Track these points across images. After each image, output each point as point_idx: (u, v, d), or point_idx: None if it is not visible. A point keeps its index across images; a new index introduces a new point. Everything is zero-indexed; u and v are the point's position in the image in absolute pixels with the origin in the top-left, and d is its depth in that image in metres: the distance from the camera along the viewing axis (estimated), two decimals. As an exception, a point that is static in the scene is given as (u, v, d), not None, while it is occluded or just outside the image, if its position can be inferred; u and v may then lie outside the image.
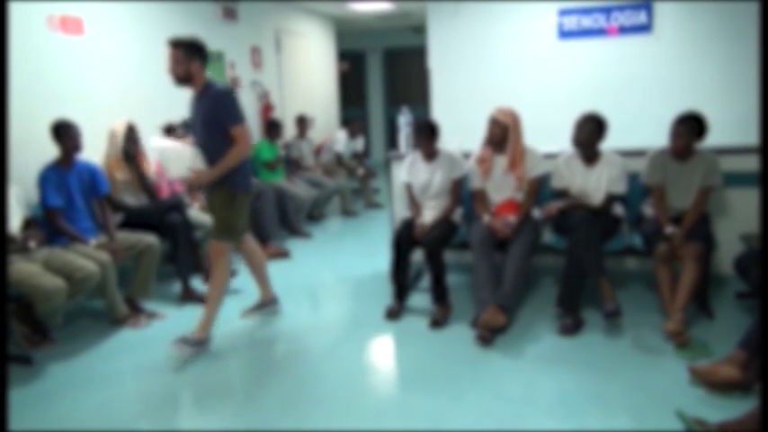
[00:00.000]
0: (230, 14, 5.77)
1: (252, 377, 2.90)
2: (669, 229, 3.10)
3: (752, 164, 3.56)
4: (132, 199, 3.92)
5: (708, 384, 2.48)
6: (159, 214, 3.84)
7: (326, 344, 3.24)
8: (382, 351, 3.21)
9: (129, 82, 4.53)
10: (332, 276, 4.45)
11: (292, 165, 6.21)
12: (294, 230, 5.45)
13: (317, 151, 6.73)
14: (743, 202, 3.58)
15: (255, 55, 6.27)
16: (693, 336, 2.96)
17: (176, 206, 3.91)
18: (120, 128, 3.85)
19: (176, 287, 3.97)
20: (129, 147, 3.87)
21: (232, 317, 3.60)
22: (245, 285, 4.11)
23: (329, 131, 7.66)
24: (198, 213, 4.23)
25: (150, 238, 3.60)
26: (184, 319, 3.55)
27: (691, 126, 3.19)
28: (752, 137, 5.33)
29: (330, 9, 7.75)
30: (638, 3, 5.49)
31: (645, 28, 5.52)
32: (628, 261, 3.91)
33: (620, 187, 3.36)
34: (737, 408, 2.23)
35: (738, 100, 5.37)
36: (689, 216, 3.19)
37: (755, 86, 5.30)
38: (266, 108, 6.38)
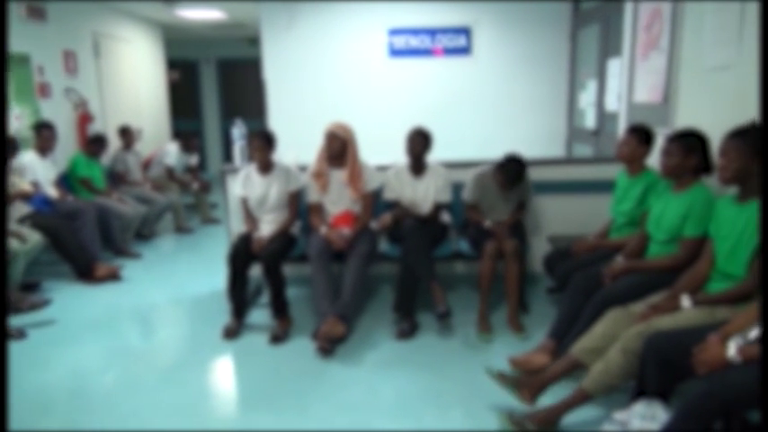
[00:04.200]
0: (36, 14, 5.17)
1: (76, 413, 2.60)
2: (487, 223, 3.42)
3: (557, 173, 4.03)
4: None
5: (524, 372, 2.74)
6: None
7: (161, 370, 3.03)
8: (222, 372, 3.07)
9: None
10: (165, 298, 4.16)
11: (117, 179, 5.73)
12: (120, 251, 5.02)
13: (146, 165, 6.28)
14: (550, 208, 4.02)
15: (69, 60, 5.69)
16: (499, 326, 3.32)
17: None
18: None
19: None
20: None
21: (49, 349, 3.21)
22: (59, 315, 3.69)
23: (159, 144, 7.20)
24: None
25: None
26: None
27: (519, 168, 3.37)
28: (557, 149, 6.07)
29: (156, 15, 7.31)
30: (459, 27, 5.97)
31: (465, 50, 6.02)
32: (456, 265, 4.19)
33: (446, 196, 3.61)
34: (551, 392, 2.47)
35: (545, 117, 6.07)
36: (508, 219, 3.54)
37: (559, 106, 6.04)
38: (83, 118, 5.80)
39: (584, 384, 2.27)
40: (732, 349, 1.79)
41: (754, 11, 2.71)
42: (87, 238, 4.56)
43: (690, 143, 2.53)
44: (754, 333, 1.82)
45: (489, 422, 2.43)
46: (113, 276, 4.43)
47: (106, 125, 6.25)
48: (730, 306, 2.15)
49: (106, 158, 5.70)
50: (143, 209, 5.41)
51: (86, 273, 4.37)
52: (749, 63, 2.74)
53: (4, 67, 2.76)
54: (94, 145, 5.23)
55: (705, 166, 2.54)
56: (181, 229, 6.04)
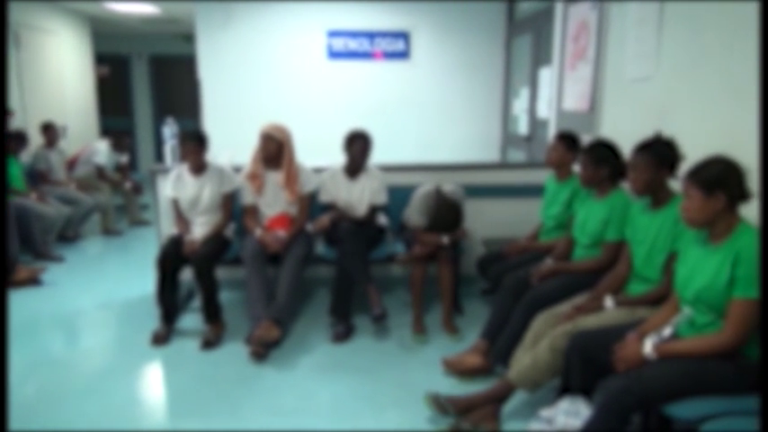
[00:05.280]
0: (-51, 0, 4.83)
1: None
2: (445, 239, 3.32)
3: (491, 178, 4.13)
4: None
5: (457, 373, 2.80)
6: None
7: (87, 378, 2.91)
8: (150, 379, 2.97)
9: None
10: (91, 303, 3.96)
11: (38, 178, 5.42)
12: (41, 254, 4.75)
13: (71, 164, 5.97)
14: (483, 212, 4.11)
15: (-14, 51, 5.35)
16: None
17: None
18: None
19: None
20: None
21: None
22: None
23: (87, 142, 6.88)
24: None
25: None
26: None
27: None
28: (492, 154, 6.23)
29: (83, 6, 6.98)
30: (397, 31, 6.03)
31: (403, 54, 6.09)
32: (393, 267, 4.22)
33: (382, 199, 3.62)
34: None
35: (481, 122, 6.22)
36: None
37: (494, 112, 6.20)
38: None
39: (510, 376, 2.36)
40: (648, 347, 1.90)
41: (671, 27, 2.88)
42: (6, 239, 4.30)
43: (599, 154, 2.66)
44: (668, 331, 1.94)
45: (424, 423, 2.46)
46: (33, 281, 4.20)
47: (27, 121, 5.90)
48: (649, 306, 2.28)
49: (26, 156, 5.39)
50: (66, 209, 5.15)
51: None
52: (666, 75, 2.92)
53: (4, 67, 2.60)
54: (13, 142, 4.93)
55: (620, 172, 2.67)
56: (108, 231, 5.79)
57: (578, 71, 3.93)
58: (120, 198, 6.22)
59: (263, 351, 3.02)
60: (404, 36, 6.04)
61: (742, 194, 1.84)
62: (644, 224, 2.37)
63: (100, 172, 5.91)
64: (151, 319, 3.42)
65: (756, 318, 1.78)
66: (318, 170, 3.67)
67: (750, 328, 1.79)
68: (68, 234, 5.41)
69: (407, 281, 3.45)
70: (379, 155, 3.90)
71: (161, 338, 3.24)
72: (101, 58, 8.61)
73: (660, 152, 2.27)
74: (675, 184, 2.30)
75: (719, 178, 1.82)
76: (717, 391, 1.82)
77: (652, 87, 3.04)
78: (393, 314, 3.48)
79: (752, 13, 2.31)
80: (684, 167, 1.93)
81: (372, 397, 2.69)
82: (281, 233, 3.39)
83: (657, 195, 2.32)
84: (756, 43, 2.26)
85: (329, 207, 3.60)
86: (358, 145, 3.52)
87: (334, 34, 5.97)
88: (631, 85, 3.26)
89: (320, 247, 3.64)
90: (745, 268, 1.77)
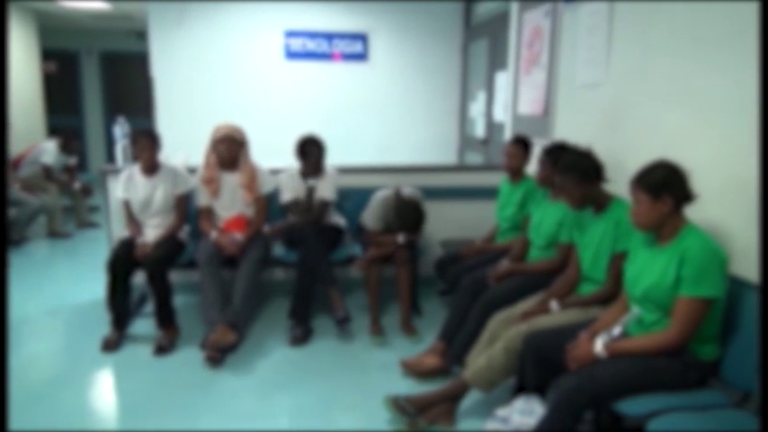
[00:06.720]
0: None
1: None
2: (401, 238, 3.36)
3: (449, 180, 4.17)
4: None
5: (416, 374, 2.82)
6: None
7: (34, 386, 2.79)
8: (101, 387, 2.87)
9: None
10: (38, 309, 3.80)
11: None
12: (-17, 258, 4.54)
13: (15, 163, 5.72)
14: (441, 213, 4.14)
15: None
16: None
17: None
18: None
19: None
20: None
21: None
22: None
23: (33, 141, 6.60)
24: None
25: None
26: None
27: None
28: (449, 157, 6.30)
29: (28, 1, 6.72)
30: (356, 33, 6.02)
31: (362, 56, 6.09)
32: (351, 269, 4.20)
33: (327, 194, 3.52)
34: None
35: (439, 125, 6.28)
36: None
37: (451, 115, 6.27)
38: (-60, 110, 5.20)
39: (465, 375, 2.39)
40: (599, 346, 1.95)
41: (620, 36, 2.97)
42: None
43: (556, 157, 2.73)
44: (617, 330, 2.00)
45: (383, 424, 2.46)
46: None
47: (-33, 118, 5.63)
48: (601, 306, 2.34)
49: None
50: (11, 211, 4.93)
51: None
52: (615, 82, 3.01)
53: (5, 67, 2.46)
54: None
55: None
56: (55, 234, 5.57)
57: (533, 76, 4.01)
58: (68, 199, 6.01)
59: (218, 356, 2.97)
60: (362, 38, 6.04)
61: (686, 196, 1.92)
62: (590, 228, 2.44)
63: (47, 172, 5.68)
64: (102, 325, 3.31)
65: (701, 315, 1.86)
66: (275, 171, 3.63)
67: (694, 325, 1.86)
68: (13, 237, 5.18)
69: (365, 283, 3.45)
70: (337, 157, 3.89)
71: (112, 344, 3.14)
72: (48, 54, 8.30)
73: (581, 167, 2.33)
74: (617, 187, 2.37)
75: (665, 182, 1.90)
76: (664, 388, 1.89)
77: (602, 93, 3.13)
78: (351, 316, 3.47)
79: (693, 17, 2.41)
80: (634, 171, 1.99)
81: (331, 399, 2.68)
82: (238, 236, 3.33)
83: (597, 203, 2.41)
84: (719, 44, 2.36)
85: (288, 207, 3.52)
86: (312, 152, 3.46)
87: (292, 34, 5.92)
88: (583, 91, 3.35)
89: (278, 250, 3.60)
90: (690, 268, 1.85)
